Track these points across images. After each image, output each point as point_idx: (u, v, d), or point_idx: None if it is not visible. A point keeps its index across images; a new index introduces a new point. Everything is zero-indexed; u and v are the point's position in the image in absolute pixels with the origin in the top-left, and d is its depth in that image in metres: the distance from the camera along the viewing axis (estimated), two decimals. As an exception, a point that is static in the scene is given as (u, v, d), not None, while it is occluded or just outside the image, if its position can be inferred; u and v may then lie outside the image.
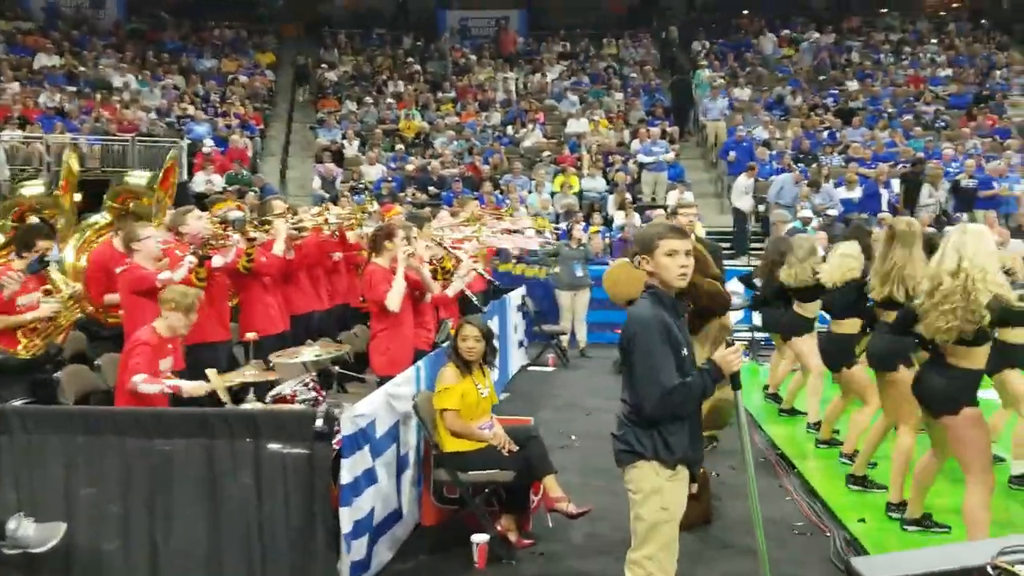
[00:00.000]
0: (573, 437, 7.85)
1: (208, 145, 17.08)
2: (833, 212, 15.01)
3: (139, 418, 4.54)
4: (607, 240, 14.33)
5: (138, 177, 8.55)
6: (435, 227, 8.36)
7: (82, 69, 19.94)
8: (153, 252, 5.98)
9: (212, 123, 18.36)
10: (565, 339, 11.97)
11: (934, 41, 23.66)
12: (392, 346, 6.38)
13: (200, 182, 16.06)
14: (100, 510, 4.44)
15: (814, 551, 5.35)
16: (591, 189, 16.78)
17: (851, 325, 6.55)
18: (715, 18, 24.98)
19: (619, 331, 9.87)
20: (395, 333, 6.41)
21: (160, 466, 4.44)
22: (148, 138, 17.00)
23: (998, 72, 21.65)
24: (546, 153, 17.96)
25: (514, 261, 10.30)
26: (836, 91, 20.94)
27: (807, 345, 7.86)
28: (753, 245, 15.34)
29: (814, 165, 16.97)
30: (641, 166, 17.25)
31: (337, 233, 7.78)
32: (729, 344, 3.46)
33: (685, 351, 3.47)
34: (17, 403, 5.16)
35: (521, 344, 11.32)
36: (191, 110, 18.73)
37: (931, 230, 9.46)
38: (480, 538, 5.12)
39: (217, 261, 6.25)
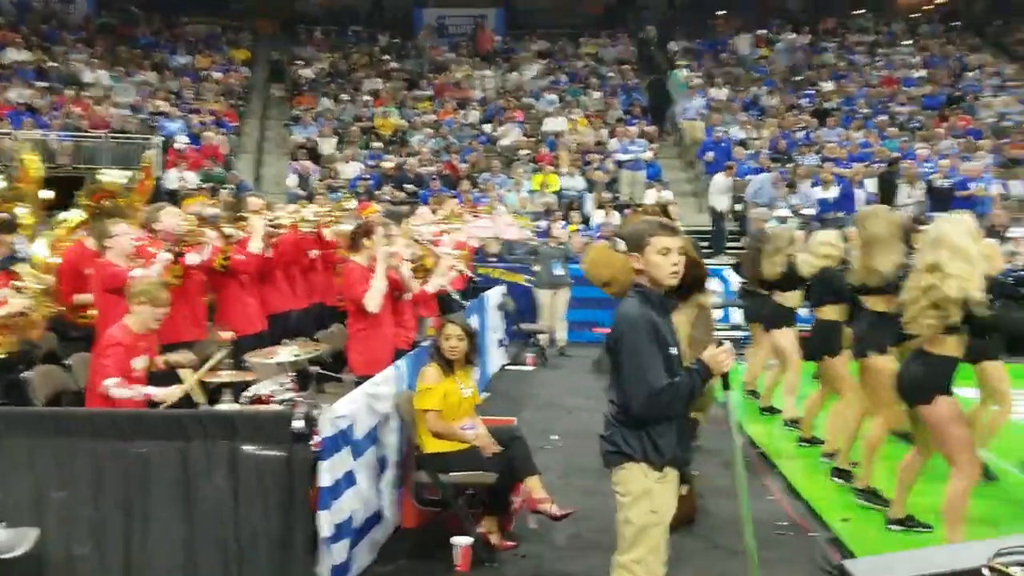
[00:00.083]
0: (555, 437, 7.78)
1: (181, 142, 16.87)
2: (810, 212, 15.08)
3: (113, 419, 4.43)
4: (586, 239, 14.28)
5: (115, 176, 8.37)
6: (414, 225, 8.27)
7: (52, 64, 19.62)
8: (126, 249, 5.84)
9: (186, 120, 18.12)
10: (544, 338, 11.91)
11: (908, 42, 23.84)
12: (371, 346, 6.27)
13: (173, 179, 15.85)
14: (73, 514, 4.32)
15: (798, 551, 5.32)
16: (569, 188, 16.74)
17: (832, 311, 6.60)
18: (691, 18, 25.01)
19: (599, 330, 9.92)
20: (374, 333, 6.30)
21: (134, 468, 4.33)
22: (120, 135, 16.76)
23: (970, 73, 21.85)
24: (524, 152, 17.90)
25: (493, 264, 10.21)
26: (811, 91, 21.03)
27: (787, 339, 7.86)
28: (730, 244, 15.38)
29: (790, 165, 17.04)
30: (619, 165, 17.24)
31: (315, 231, 7.68)
32: (719, 343, 3.40)
33: (673, 350, 3.41)
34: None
35: (501, 343, 11.25)
36: (164, 106, 18.48)
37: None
38: (462, 540, 5.04)
39: (192, 258, 6.13)
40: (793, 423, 7.91)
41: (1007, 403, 6.38)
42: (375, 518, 5.22)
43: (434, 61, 22.24)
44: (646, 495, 3.40)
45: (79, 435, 4.37)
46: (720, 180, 16.04)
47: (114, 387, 4.76)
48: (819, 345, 6.74)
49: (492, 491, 5.27)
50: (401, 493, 5.61)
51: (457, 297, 8.13)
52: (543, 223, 13.91)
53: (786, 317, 7.91)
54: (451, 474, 5.18)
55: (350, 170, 17.14)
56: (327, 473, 4.45)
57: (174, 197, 12.38)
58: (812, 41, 23.62)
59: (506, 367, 11.17)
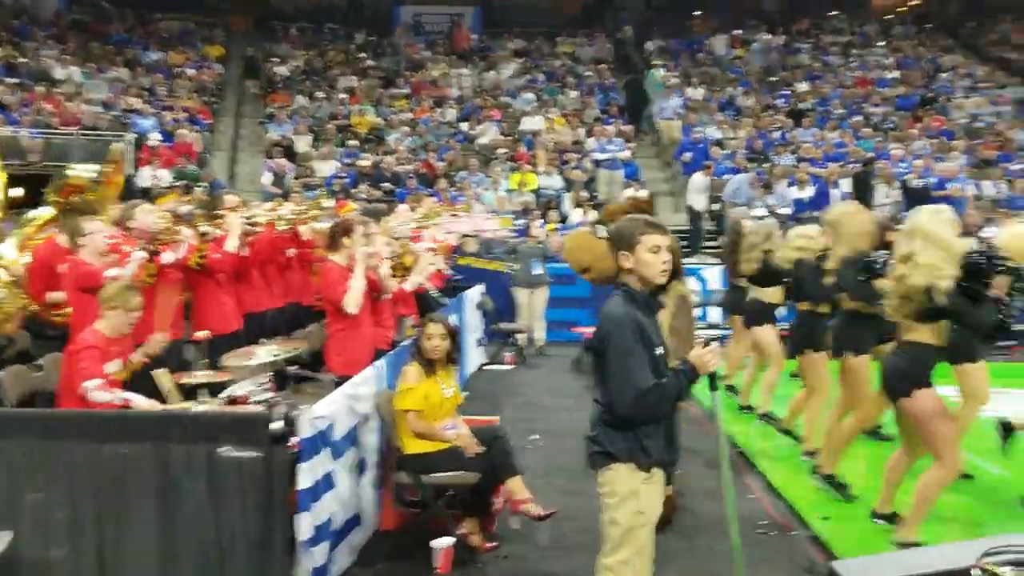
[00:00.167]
0: (535, 436, 7.74)
1: (154, 139, 16.64)
2: (786, 211, 15.15)
3: (89, 421, 4.33)
4: (565, 236, 14.27)
5: (82, 171, 8.23)
6: (393, 223, 8.20)
7: (23, 60, 19.30)
8: (100, 247, 5.74)
9: (159, 117, 17.88)
10: (523, 337, 11.87)
11: (881, 44, 24.05)
12: (350, 346, 6.21)
13: (146, 177, 15.64)
14: (48, 516, 4.22)
15: (780, 549, 5.31)
16: (547, 187, 16.72)
17: (813, 305, 6.59)
18: (668, 18, 25.07)
19: (577, 329, 9.87)
20: (353, 333, 6.24)
21: (111, 470, 4.23)
22: (92, 132, 16.52)
23: (943, 75, 22.09)
24: (502, 150, 17.85)
25: (473, 254, 10.15)
26: (787, 92, 21.14)
27: (768, 335, 7.87)
28: (708, 244, 15.41)
29: (767, 165, 17.11)
30: (597, 164, 17.24)
31: (292, 229, 7.59)
32: (706, 343, 3.37)
33: (659, 350, 3.38)
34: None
35: (479, 343, 11.20)
36: (137, 103, 18.24)
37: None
38: (442, 543, 4.99)
39: (168, 257, 6.03)
40: (768, 417, 7.97)
41: (977, 403, 6.42)
42: (354, 520, 5.15)
43: (411, 59, 22.14)
44: (632, 496, 3.36)
45: (54, 436, 4.27)
46: (698, 179, 16.09)
47: (95, 390, 4.67)
48: (801, 340, 6.74)
49: (474, 492, 5.21)
50: (381, 495, 5.56)
51: (437, 295, 8.07)
52: (522, 221, 13.88)
53: (767, 314, 7.91)
54: (433, 475, 5.13)
55: (326, 168, 17.01)
56: (306, 475, 4.38)
57: (147, 195, 12.22)
58: (787, 42, 23.76)
59: (484, 366, 11.13)
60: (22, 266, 6.26)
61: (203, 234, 6.41)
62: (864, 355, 6.01)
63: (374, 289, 6.47)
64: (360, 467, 5.24)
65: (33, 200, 7.90)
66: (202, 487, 4.25)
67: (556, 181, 16.90)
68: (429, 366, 5.24)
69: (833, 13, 25.89)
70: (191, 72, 20.30)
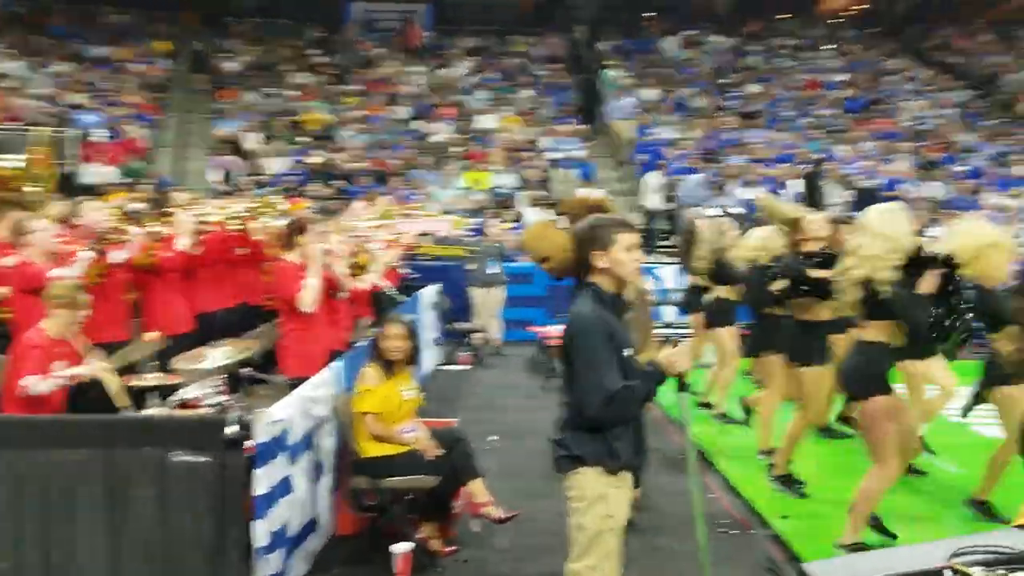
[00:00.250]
0: (493, 438, 7.66)
1: (99, 135, 16.26)
2: (738, 211, 15.26)
3: (32, 426, 4.17)
4: (518, 236, 14.23)
5: (7, 163, 7.88)
6: (350, 221, 8.07)
7: (-40, 54, 18.74)
8: (45, 246, 5.53)
9: (104, 112, 17.49)
10: (479, 337, 11.79)
11: (829, 47, 24.41)
12: (304, 347, 6.08)
13: (91, 173, 15.27)
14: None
15: (741, 548, 5.31)
16: (501, 185, 16.67)
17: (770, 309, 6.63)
18: (621, 18, 25.15)
19: (533, 328, 9.79)
20: (307, 333, 6.10)
21: (56, 477, 4.07)
22: (34, 127, 16.04)
23: (889, 78, 22.50)
24: (455, 148, 17.75)
25: (433, 246, 9.98)
26: (738, 93, 21.35)
27: (726, 335, 7.89)
28: (662, 243, 15.48)
29: (719, 165, 17.26)
30: (551, 163, 17.22)
31: (242, 227, 7.40)
32: (674, 344, 3.33)
33: (628, 351, 3.33)
34: None
35: (435, 342, 11.09)
36: (81, 99, 17.81)
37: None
38: (401, 548, 4.89)
39: (116, 256, 5.83)
40: (723, 416, 8.02)
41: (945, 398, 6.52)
42: (311, 526, 5.03)
43: (363, 56, 21.90)
44: (600, 500, 3.30)
45: (-3, 443, 4.10)
46: (652, 179, 16.16)
47: (34, 384, 4.49)
48: (757, 341, 6.76)
49: (434, 495, 5.12)
50: (337, 499, 5.44)
51: (393, 293, 7.96)
52: (477, 220, 13.80)
53: (726, 313, 7.92)
54: (391, 479, 5.03)
55: (276, 165, 16.77)
56: (262, 481, 4.27)
57: (91, 192, 11.90)
58: (738, 44, 23.99)
59: (440, 367, 11.03)
60: None
61: (152, 233, 6.21)
62: (816, 366, 6.04)
63: (331, 287, 6.35)
64: (316, 471, 5.13)
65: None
66: (153, 494, 4.11)
67: (510, 180, 16.86)
68: (388, 367, 5.14)
69: (782, 16, 26.23)
70: (137, 67, 19.86)
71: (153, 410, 4.82)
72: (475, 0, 25.22)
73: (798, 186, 16.22)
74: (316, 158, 17.05)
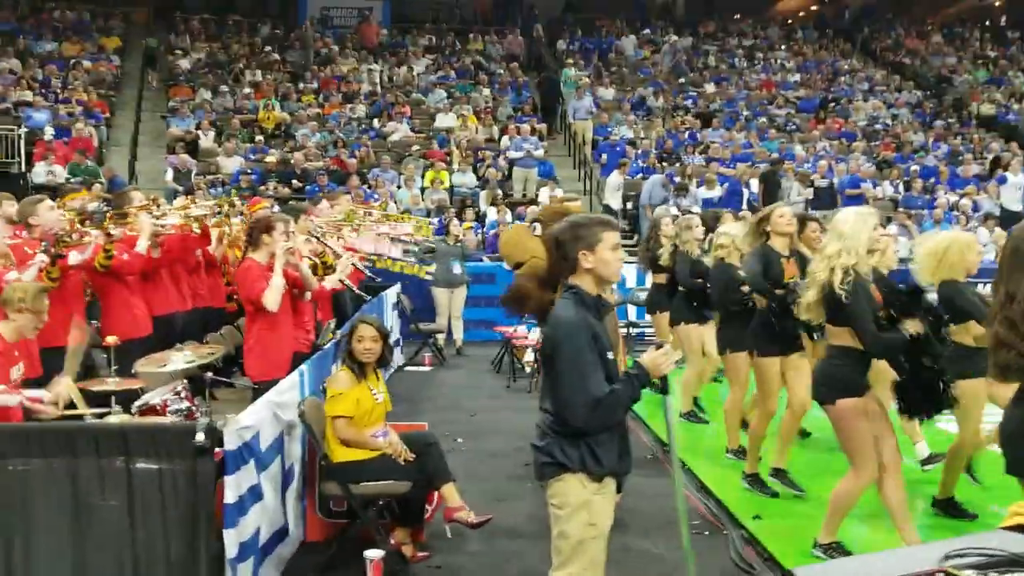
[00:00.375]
0: (459, 440, 7.60)
1: (49, 134, 15.86)
2: (696, 210, 15.36)
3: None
4: (479, 236, 14.20)
5: None
6: (315, 220, 7.94)
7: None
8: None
9: (53, 110, 17.07)
10: (442, 338, 11.70)
11: (784, 48, 24.69)
12: (269, 348, 5.95)
13: (41, 173, 14.90)
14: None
15: (713, 548, 5.30)
16: (461, 184, 16.57)
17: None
18: (579, 18, 25.20)
19: (497, 328, 9.72)
20: (272, 334, 5.98)
21: (17, 489, 3.93)
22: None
23: (842, 78, 22.83)
24: (415, 147, 17.61)
25: (389, 260, 9.90)
26: (695, 93, 21.49)
27: (693, 333, 7.90)
28: (624, 243, 15.49)
29: (678, 164, 17.35)
30: (511, 162, 17.17)
31: (202, 228, 7.23)
32: (658, 346, 3.29)
33: (611, 354, 3.27)
34: None
35: (397, 343, 10.98)
36: (29, 96, 17.36)
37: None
38: (374, 554, 4.79)
39: (74, 258, 5.64)
40: (689, 415, 8.09)
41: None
42: (281, 533, 4.93)
43: (318, 53, 21.63)
44: (584, 507, 3.24)
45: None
46: (614, 179, 16.22)
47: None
48: (724, 339, 6.77)
49: (406, 500, 5.05)
50: (306, 505, 5.34)
51: (359, 292, 7.85)
52: (438, 220, 13.70)
53: (693, 312, 7.91)
54: (362, 484, 4.93)
55: (231, 164, 16.49)
56: (232, 489, 4.16)
57: (42, 191, 11.59)
58: (694, 44, 24.15)
59: (403, 368, 10.92)
60: None
61: (110, 235, 6.01)
62: (772, 356, 6.06)
63: (295, 286, 6.23)
64: (285, 478, 5.02)
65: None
66: (119, 505, 3.97)
67: (470, 179, 16.77)
68: (360, 370, 5.04)
69: (737, 17, 26.49)
70: (87, 64, 19.39)
71: (116, 417, 4.66)
72: (432, -2, 25.12)
73: (755, 186, 16.43)
74: (272, 157, 16.80)
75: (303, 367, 5.56)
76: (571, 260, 3.26)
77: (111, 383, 5.04)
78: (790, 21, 27.83)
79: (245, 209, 8.69)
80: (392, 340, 10.52)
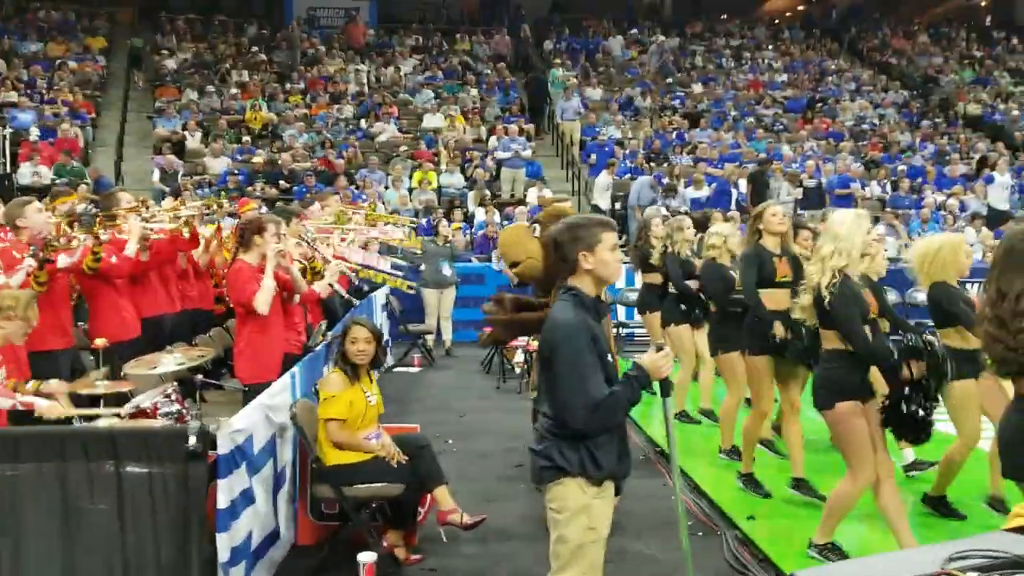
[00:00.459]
0: (449, 441, 7.56)
1: (34, 134, 15.73)
2: (684, 210, 15.38)
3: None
4: (468, 237, 14.16)
5: None
6: (308, 223, 7.89)
7: None
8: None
9: (38, 111, 16.94)
10: (431, 338, 11.67)
11: (771, 48, 24.76)
12: (259, 351, 5.89)
13: (26, 174, 14.77)
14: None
15: (708, 549, 5.29)
16: (449, 185, 16.54)
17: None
18: (567, 18, 25.20)
19: (487, 329, 9.65)
20: (263, 336, 5.92)
21: (6, 493, 3.87)
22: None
23: (830, 78, 22.91)
24: (402, 148, 17.56)
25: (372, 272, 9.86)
26: (682, 93, 21.52)
27: (685, 334, 7.89)
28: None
29: (665, 165, 17.37)
30: (499, 163, 17.14)
31: (191, 230, 7.18)
32: (659, 347, 3.26)
33: (609, 356, 3.25)
34: None
35: (387, 344, 10.93)
36: (14, 97, 17.21)
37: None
38: (366, 557, 4.76)
39: (62, 261, 5.57)
40: (683, 415, 8.09)
41: None
42: (273, 536, 4.90)
43: (305, 54, 21.55)
44: (583, 511, 3.22)
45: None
46: (603, 179, 16.22)
47: None
48: (717, 339, 6.76)
49: (399, 503, 5.02)
50: (296, 508, 5.30)
51: (348, 296, 7.82)
52: (427, 220, 13.65)
53: (683, 313, 7.91)
54: (355, 487, 4.90)
55: (218, 165, 16.40)
56: (224, 493, 4.12)
57: (28, 193, 11.48)
58: (681, 44, 24.19)
59: (392, 368, 10.88)
60: None
61: (99, 237, 5.93)
62: (764, 355, 6.05)
63: (286, 288, 6.18)
64: (277, 481, 4.98)
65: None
66: (109, 510, 3.92)
67: (458, 179, 16.74)
68: (353, 372, 5.00)
69: (725, 17, 26.55)
70: (72, 64, 19.26)
71: (105, 421, 4.60)
72: (419, -2, 25.07)
73: (743, 186, 16.45)
74: (259, 157, 16.72)
75: (294, 369, 5.52)
76: (571, 261, 3.23)
77: (100, 386, 4.97)
78: (777, 21, 27.92)
79: (235, 209, 8.65)
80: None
